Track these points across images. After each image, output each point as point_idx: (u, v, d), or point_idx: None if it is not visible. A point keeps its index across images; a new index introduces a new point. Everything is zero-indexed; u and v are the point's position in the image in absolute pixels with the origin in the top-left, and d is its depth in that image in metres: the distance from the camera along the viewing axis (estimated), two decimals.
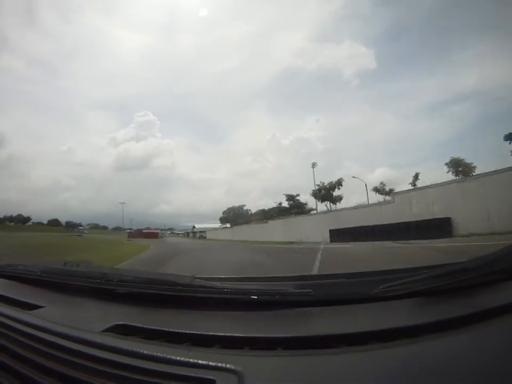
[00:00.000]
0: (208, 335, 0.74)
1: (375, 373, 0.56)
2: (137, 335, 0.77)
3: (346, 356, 0.62)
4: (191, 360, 0.61)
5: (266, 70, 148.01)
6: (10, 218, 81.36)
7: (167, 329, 0.78)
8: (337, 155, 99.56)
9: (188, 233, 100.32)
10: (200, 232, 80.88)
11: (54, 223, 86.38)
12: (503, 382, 0.52)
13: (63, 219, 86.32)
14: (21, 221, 79.40)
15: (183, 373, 0.58)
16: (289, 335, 0.70)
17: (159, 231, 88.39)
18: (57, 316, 0.90)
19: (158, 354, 0.64)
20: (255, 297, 0.90)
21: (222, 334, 0.73)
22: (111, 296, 1.05)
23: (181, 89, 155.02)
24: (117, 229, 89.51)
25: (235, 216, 64.98)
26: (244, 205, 77.32)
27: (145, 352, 0.65)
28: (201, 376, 0.57)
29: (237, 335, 0.73)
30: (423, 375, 0.54)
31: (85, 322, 0.84)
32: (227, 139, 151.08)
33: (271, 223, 39.13)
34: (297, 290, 0.90)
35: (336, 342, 0.67)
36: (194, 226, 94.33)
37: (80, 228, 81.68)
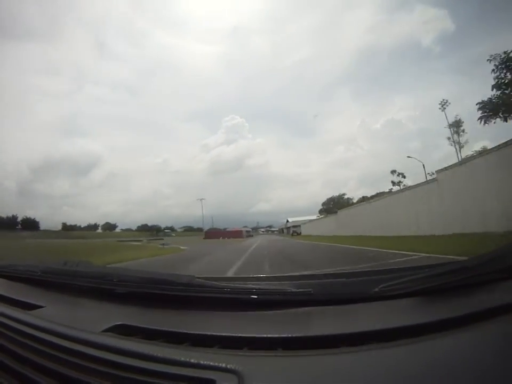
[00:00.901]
0: (208, 335, 0.74)
1: (375, 373, 0.55)
2: (137, 335, 0.77)
3: (346, 355, 0.61)
4: (191, 360, 0.61)
5: (342, 54, 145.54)
6: (94, 227, 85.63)
7: (167, 329, 0.78)
8: (432, 134, 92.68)
9: (282, 230, 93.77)
10: (294, 227, 69.91)
11: (143, 228, 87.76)
12: (504, 382, 0.52)
13: (164, 224, 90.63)
14: (108, 228, 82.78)
15: (183, 373, 0.58)
16: (289, 335, 0.70)
17: (244, 229, 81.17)
18: (57, 316, 0.89)
19: (158, 354, 0.63)
20: (255, 296, 0.89)
21: (222, 334, 0.73)
22: (111, 296, 1.05)
23: (263, 88, 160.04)
24: (200, 230, 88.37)
25: (335, 207, 57.52)
26: (343, 194, 72.76)
27: (145, 352, 0.64)
28: (201, 376, 0.57)
29: (237, 335, 0.73)
30: (423, 375, 0.54)
31: (85, 323, 0.84)
32: (316, 131, 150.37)
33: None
34: (297, 290, 0.90)
35: (336, 342, 0.66)
36: (287, 221, 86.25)
37: (167, 231, 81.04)
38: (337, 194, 72.59)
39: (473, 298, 0.83)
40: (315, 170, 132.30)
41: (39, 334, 0.77)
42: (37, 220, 67.16)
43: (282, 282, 1.05)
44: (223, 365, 0.58)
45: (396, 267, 1.20)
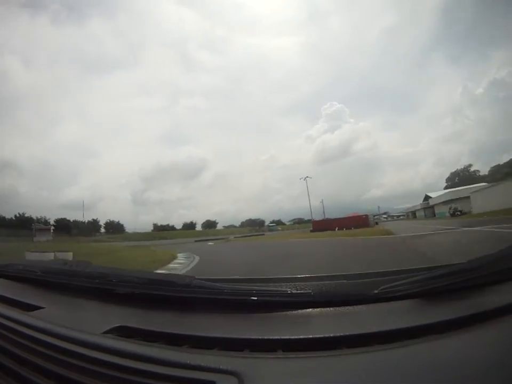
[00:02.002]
0: (208, 337, 0.74)
1: (375, 375, 0.55)
2: (138, 337, 0.77)
3: (346, 357, 0.62)
4: (191, 362, 0.61)
5: (427, 15, 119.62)
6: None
7: (167, 331, 0.78)
8: None
9: (412, 213, 71.56)
10: (450, 201, 44.06)
11: (247, 223, 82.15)
12: (505, 383, 0.52)
13: (273, 219, 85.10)
14: (207, 226, 78.44)
15: (184, 375, 0.58)
16: (289, 337, 0.70)
17: (369, 215, 55.10)
18: (57, 317, 0.89)
19: (159, 356, 0.64)
20: (255, 298, 0.90)
21: (222, 336, 0.74)
22: (111, 297, 1.05)
23: (354, 70, 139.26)
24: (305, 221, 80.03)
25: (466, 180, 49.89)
26: (469, 165, 66.09)
27: (145, 354, 0.65)
28: (201, 378, 0.57)
29: (237, 337, 0.73)
30: (423, 377, 0.54)
31: (85, 324, 0.84)
32: (418, 105, 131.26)
33: None
34: (297, 291, 0.90)
35: (336, 343, 0.67)
36: (427, 198, 62.26)
37: (271, 225, 73.62)
38: (462, 167, 69.27)
39: (474, 300, 0.83)
40: (423, 148, 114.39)
41: (39, 336, 0.76)
42: (121, 223, 67.10)
43: (282, 284, 1.04)
44: (224, 367, 0.58)
45: (396, 269, 1.21)
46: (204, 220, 77.60)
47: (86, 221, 59.97)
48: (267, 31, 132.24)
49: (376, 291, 0.87)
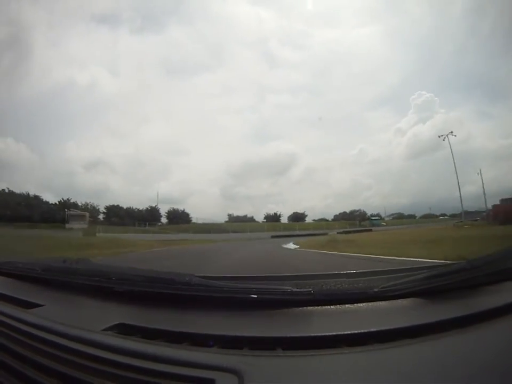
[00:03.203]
0: (207, 334, 0.74)
1: (375, 373, 0.56)
2: (137, 335, 0.77)
3: (346, 356, 0.62)
4: (191, 360, 0.61)
5: None
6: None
7: (166, 329, 0.78)
8: None
9: None
10: None
11: (341, 217, 72.83)
12: (503, 383, 0.52)
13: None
14: (294, 219, 68.38)
15: (183, 373, 0.58)
16: (289, 335, 0.70)
17: None
18: (57, 315, 0.90)
19: (158, 354, 0.64)
20: (255, 296, 0.90)
21: (222, 333, 0.74)
22: (111, 294, 1.05)
23: (439, 54, 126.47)
24: (427, 216, 69.66)
25: None
26: None
27: (145, 351, 0.65)
28: (201, 376, 0.57)
29: (237, 334, 0.73)
30: (423, 376, 0.54)
31: (84, 322, 0.84)
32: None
33: None
34: (298, 289, 0.90)
35: (336, 342, 0.67)
36: None
37: (375, 218, 62.81)
38: None
39: (473, 300, 0.84)
40: None
41: (39, 333, 0.77)
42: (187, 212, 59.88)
43: (283, 281, 1.05)
44: (223, 365, 0.58)
45: (396, 268, 1.23)
46: (291, 213, 68.25)
47: (144, 209, 56.71)
48: (345, 22, 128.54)
49: (376, 289, 0.87)
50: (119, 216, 52.18)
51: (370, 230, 39.54)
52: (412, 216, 67.86)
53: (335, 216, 71.70)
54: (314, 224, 58.59)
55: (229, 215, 63.22)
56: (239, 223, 53.20)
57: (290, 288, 0.91)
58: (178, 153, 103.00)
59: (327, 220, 69.03)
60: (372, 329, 0.69)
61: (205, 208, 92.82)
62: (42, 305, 0.99)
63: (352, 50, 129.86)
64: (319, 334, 0.70)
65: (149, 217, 52.99)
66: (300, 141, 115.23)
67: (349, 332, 0.69)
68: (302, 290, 0.90)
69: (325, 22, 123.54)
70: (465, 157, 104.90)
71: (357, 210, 69.95)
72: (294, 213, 68.13)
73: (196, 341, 0.72)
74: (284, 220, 66.08)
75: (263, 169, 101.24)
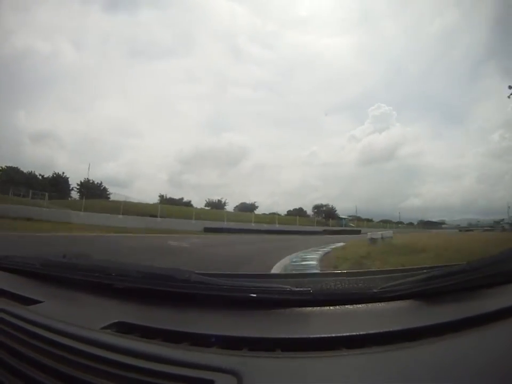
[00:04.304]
0: (207, 334, 0.74)
1: (374, 376, 0.56)
2: (136, 333, 0.77)
3: (345, 358, 0.62)
4: (190, 360, 0.61)
5: (485, 22, 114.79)
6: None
7: (166, 328, 0.78)
8: None
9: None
10: None
11: (297, 212, 64.83)
12: None
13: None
14: (244, 209, 55.57)
15: (182, 373, 0.58)
16: (288, 336, 0.70)
17: None
18: (56, 312, 0.89)
19: (157, 353, 0.63)
20: (254, 295, 0.89)
21: (221, 333, 0.73)
22: (110, 291, 1.05)
23: (406, 74, 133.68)
24: (385, 222, 70.83)
25: None
26: None
27: (143, 351, 0.64)
28: (200, 376, 0.57)
29: (236, 335, 0.73)
30: (422, 378, 0.54)
31: (83, 319, 0.84)
32: (467, 117, 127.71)
33: None
34: (297, 289, 0.90)
35: (335, 344, 0.67)
36: None
37: (346, 218, 59.16)
38: None
39: (473, 302, 0.84)
40: (468, 162, 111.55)
41: (37, 330, 0.76)
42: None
43: (282, 280, 1.04)
44: (223, 366, 0.58)
45: (396, 268, 1.23)
46: (238, 203, 56.14)
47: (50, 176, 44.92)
48: (318, 29, 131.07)
49: (375, 290, 0.87)
50: (15, 183, 38.97)
51: (359, 232, 35.65)
52: (370, 220, 65.93)
53: (289, 211, 58.09)
54: (265, 218, 45.85)
55: (161, 196, 49.84)
56: (172, 206, 41.15)
57: (289, 287, 0.90)
58: (131, 134, 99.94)
59: (280, 215, 54.18)
60: (371, 331, 0.69)
61: (150, 193, 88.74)
62: (41, 302, 0.98)
63: (320, 56, 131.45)
64: (318, 336, 0.69)
65: (53, 187, 41.34)
66: (253, 135, 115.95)
67: (348, 334, 0.69)
68: (301, 289, 0.89)
69: (297, 26, 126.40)
70: (415, 170, 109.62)
71: (323, 206, 57.98)
72: (241, 203, 55.65)
73: (195, 341, 0.71)
74: (230, 209, 53.58)
75: (213, 159, 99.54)
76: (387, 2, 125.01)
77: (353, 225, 49.38)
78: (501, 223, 66.47)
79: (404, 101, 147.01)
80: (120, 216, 28.90)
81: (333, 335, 0.69)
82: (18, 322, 0.81)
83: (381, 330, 0.69)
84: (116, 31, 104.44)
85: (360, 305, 0.86)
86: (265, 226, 36.86)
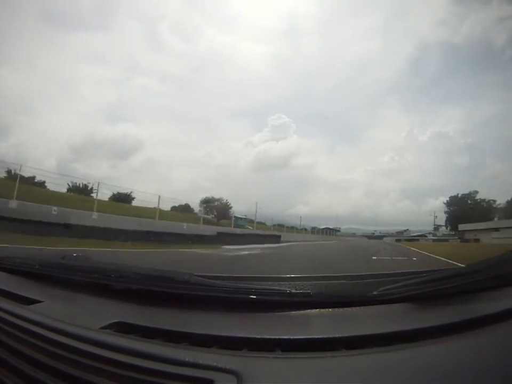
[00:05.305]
0: (207, 334, 0.74)
1: (373, 377, 0.56)
2: (136, 333, 0.77)
3: (344, 359, 0.62)
4: (190, 360, 0.61)
5: (395, 61, 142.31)
6: None
7: (165, 328, 0.78)
8: (479, 151, 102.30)
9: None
10: None
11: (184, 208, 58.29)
12: None
13: None
14: (119, 199, 49.24)
15: (182, 373, 0.58)
16: (288, 337, 0.71)
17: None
18: (56, 312, 0.89)
19: (156, 353, 0.63)
20: (254, 296, 0.90)
21: (221, 334, 0.73)
22: (110, 292, 1.04)
23: (311, 91, 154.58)
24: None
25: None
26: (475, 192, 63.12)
27: (143, 350, 0.64)
28: (200, 376, 0.57)
29: (236, 335, 0.73)
30: (419, 380, 0.54)
31: (83, 319, 0.84)
32: (362, 139, 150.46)
33: None
34: (296, 291, 0.90)
35: (334, 345, 0.67)
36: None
37: (241, 217, 49.32)
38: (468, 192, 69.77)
39: (471, 305, 0.84)
40: (357, 178, 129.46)
41: (37, 330, 0.76)
42: None
43: (282, 282, 1.05)
44: (223, 366, 0.58)
45: (395, 271, 1.24)
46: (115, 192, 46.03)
47: None
48: (240, 33, 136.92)
49: (375, 292, 0.87)
50: None
51: (279, 237, 29.89)
52: (262, 223, 55.06)
53: (173, 207, 46.59)
54: (147, 212, 37.74)
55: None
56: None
57: (289, 289, 0.91)
58: (22, 111, 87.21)
59: (163, 210, 50.11)
60: (371, 333, 0.69)
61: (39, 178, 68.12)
62: (41, 302, 0.98)
63: (233, 60, 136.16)
64: (318, 336, 0.70)
65: None
66: (151, 129, 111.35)
67: (348, 335, 0.69)
68: (300, 292, 0.90)
69: (221, 26, 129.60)
70: (307, 180, 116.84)
71: (215, 200, 42.89)
72: (118, 192, 46.96)
73: (195, 341, 0.71)
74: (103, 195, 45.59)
75: (106, 149, 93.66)
76: (313, 22, 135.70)
77: (250, 228, 40.07)
78: (404, 233, 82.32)
79: (304, 116, 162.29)
80: None
81: (333, 336, 0.69)
82: (18, 321, 0.81)
83: (381, 332, 0.69)
84: None
85: (359, 308, 0.86)
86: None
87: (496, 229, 50.51)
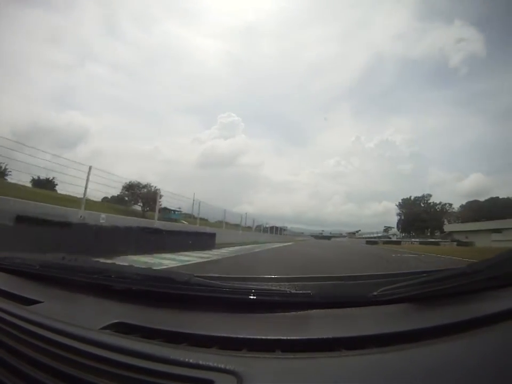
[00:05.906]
0: (206, 335, 0.74)
1: (373, 377, 0.56)
2: (136, 334, 0.77)
3: (344, 359, 0.62)
4: (189, 360, 0.61)
5: (348, 69, 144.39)
6: None
7: (165, 329, 0.78)
8: (423, 160, 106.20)
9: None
10: None
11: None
12: None
13: None
14: (42, 185, 41.09)
15: (182, 373, 0.58)
16: (288, 338, 0.71)
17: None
18: (56, 312, 0.89)
19: (156, 353, 0.63)
20: (254, 297, 0.90)
21: (221, 334, 0.73)
22: (110, 292, 1.05)
23: (264, 92, 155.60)
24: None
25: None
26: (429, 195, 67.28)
27: (143, 351, 0.64)
28: (200, 376, 0.57)
29: (236, 336, 0.73)
30: (420, 381, 0.54)
31: (83, 320, 0.84)
32: (311, 142, 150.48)
33: None
34: (297, 291, 0.90)
35: (334, 345, 0.67)
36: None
37: (175, 210, 45.94)
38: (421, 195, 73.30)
39: (471, 305, 0.84)
40: (304, 180, 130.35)
41: (37, 330, 0.76)
42: None
43: (282, 283, 1.05)
44: (222, 366, 0.58)
45: (395, 272, 1.24)
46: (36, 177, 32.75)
47: None
48: (199, 26, 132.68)
49: (375, 293, 0.87)
50: None
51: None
52: (204, 219, 57.31)
53: (104, 198, 40.77)
54: (73, 201, 31.26)
55: None
56: None
57: (289, 290, 0.91)
58: None
59: (93, 200, 44.25)
60: (370, 333, 0.69)
61: None
62: (41, 302, 0.98)
63: (189, 53, 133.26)
64: (318, 337, 0.70)
65: None
66: (99, 119, 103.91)
67: (348, 335, 0.70)
68: (301, 292, 0.90)
69: (181, 18, 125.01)
70: (253, 180, 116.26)
71: (140, 185, 33.18)
72: (39, 177, 33.25)
73: (195, 342, 0.71)
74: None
75: (50, 137, 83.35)
76: (274, 23, 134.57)
77: (185, 223, 30.63)
78: (356, 234, 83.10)
79: (254, 116, 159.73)
80: None
81: (333, 336, 0.69)
82: (18, 322, 0.81)
83: (381, 332, 0.69)
84: None
85: (359, 308, 0.86)
86: None
87: (498, 230, 44.61)
